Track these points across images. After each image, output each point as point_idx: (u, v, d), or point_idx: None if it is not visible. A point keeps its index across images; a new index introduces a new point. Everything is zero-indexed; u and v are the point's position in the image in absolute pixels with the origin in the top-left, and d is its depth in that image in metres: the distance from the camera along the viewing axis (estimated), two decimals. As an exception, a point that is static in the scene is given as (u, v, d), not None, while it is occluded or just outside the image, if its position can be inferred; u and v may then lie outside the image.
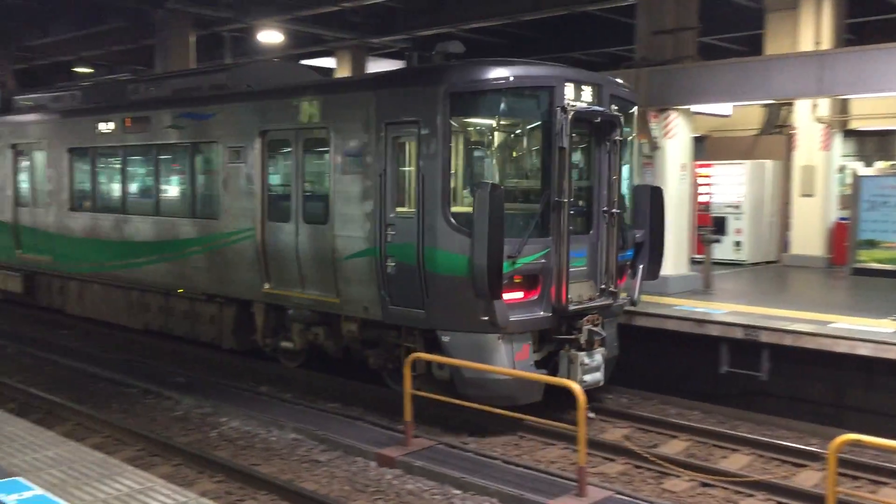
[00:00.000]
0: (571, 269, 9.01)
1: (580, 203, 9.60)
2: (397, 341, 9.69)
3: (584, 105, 9.10)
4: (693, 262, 14.11)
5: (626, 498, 7.31)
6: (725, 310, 11.42)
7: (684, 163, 13.23)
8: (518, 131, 9.60)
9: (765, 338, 10.22)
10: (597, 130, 9.44)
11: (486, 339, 8.71)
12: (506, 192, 8.72)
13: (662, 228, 10.43)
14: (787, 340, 10.03)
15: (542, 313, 8.98)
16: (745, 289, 13.95)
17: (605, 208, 9.44)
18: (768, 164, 17.61)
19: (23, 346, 13.60)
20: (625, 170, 9.95)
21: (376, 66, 27.52)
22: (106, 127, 13.37)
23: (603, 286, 9.51)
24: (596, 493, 7.27)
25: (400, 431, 8.85)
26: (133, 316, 13.57)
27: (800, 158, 16.63)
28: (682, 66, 12.84)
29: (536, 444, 9.13)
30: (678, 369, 11.18)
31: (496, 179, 9.07)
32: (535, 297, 8.93)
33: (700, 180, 17.50)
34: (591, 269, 9.43)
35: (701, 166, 17.55)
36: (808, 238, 16.58)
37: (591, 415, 9.50)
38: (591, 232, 9.49)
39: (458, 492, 7.61)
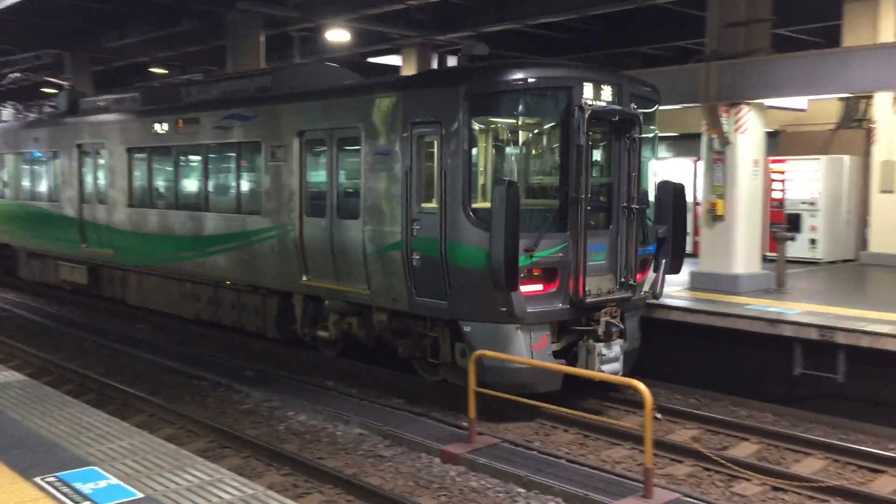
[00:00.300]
0: (590, 263, 9.31)
1: (601, 199, 9.85)
2: (424, 331, 10.06)
3: (603, 104, 9.37)
4: (766, 260, 13.72)
5: (694, 500, 7.17)
6: (799, 310, 11.09)
7: (757, 158, 12.90)
8: (537, 130, 9.91)
9: (841, 339, 9.88)
10: (616, 128, 9.68)
11: (504, 329, 9.07)
12: (525, 188, 9.24)
13: (684, 224, 10.66)
14: (865, 342, 9.67)
15: (560, 305, 9.28)
16: (821, 288, 13.52)
17: (624, 204, 9.68)
18: (846, 159, 17.05)
19: (101, 338, 14.07)
20: (647, 166, 10.29)
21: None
22: (160, 128, 14.10)
23: (622, 280, 9.72)
24: (663, 495, 7.15)
25: (464, 428, 8.86)
26: (185, 306, 14.31)
27: (879, 153, 16.04)
28: (755, 58, 12.49)
29: (602, 443, 9.03)
30: (749, 370, 10.91)
31: (515, 177, 9.39)
32: (554, 290, 9.25)
33: (773, 176, 17.07)
34: (610, 262, 9.69)
35: (774, 162, 17.11)
36: (888, 236, 15.97)
37: (658, 415, 9.35)
38: (610, 227, 9.74)
39: (521, 490, 7.57)
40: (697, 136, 13.76)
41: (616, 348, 9.54)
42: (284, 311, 12.14)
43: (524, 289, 8.92)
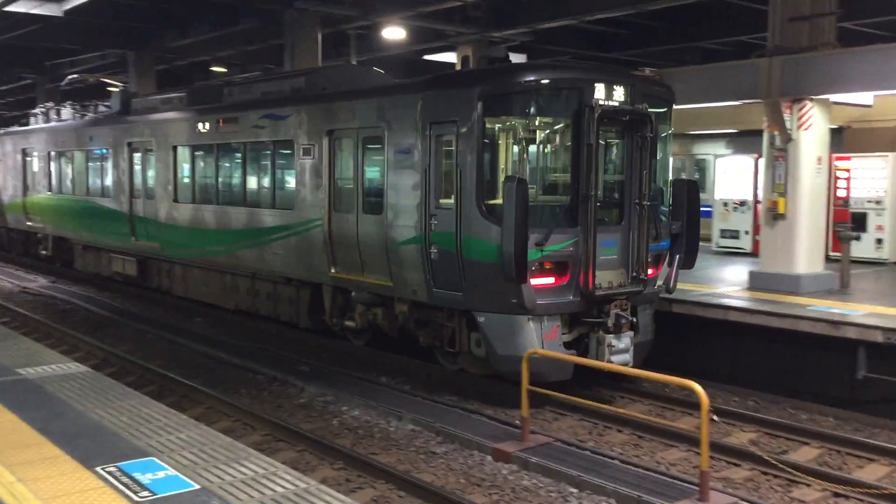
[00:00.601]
0: (602, 258, 9.69)
1: (614, 196, 10.24)
2: (443, 321, 10.54)
3: (615, 104, 9.66)
4: (829, 260, 13.36)
5: (752, 505, 7.03)
6: (864, 311, 10.78)
7: (820, 155, 12.57)
8: (549, 129, 10.27)
9: (908, 342, 9.58)
10: (628, 127, 10.00)
11: (516, 319, 9.49)
12: (537, 185, 9.85)
13: (698, 220, 10.85)
14: (933, 345, 9.37)
15: (570, 298, 9.65)
16: (887, 289, 13.11)
17: (636, 201, 9.95)
18: (914, 156, 16.52)
19: (161, 331, 14.39)
20: (662, 164, 10.62)
21: (498, 59, 27.51)
22: (203, 127, 14.83)
23: (634, 274, 9.98)
24: (719, 499, 7.02)
25: (516, 427, 8.83)
26: (226, 297, 15.01)
27: (950, 150, 15.50)
28: (820, 53, 12.16)
29: (657, 444, 8.91)
30: (811, 373, 10.65)
31: (527, 174, 9.75)
32: (565, 283, 9.63)
33: (838, 174, 16.61)
34: (621, 257, 9.99)
35: (839, 159, 16.65)
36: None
37: (715, 417, 9.15)
38: (622, 223, 10.03)
39: (574, 490, 7.52)
40: (758, 133, 13.47)
41: (626, 340, 9.86)
42: (315, 301, 12.71)
43: (536, 281, 9.35)
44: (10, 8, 21.33)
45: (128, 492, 4.97)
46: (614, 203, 10.17)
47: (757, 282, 12.88)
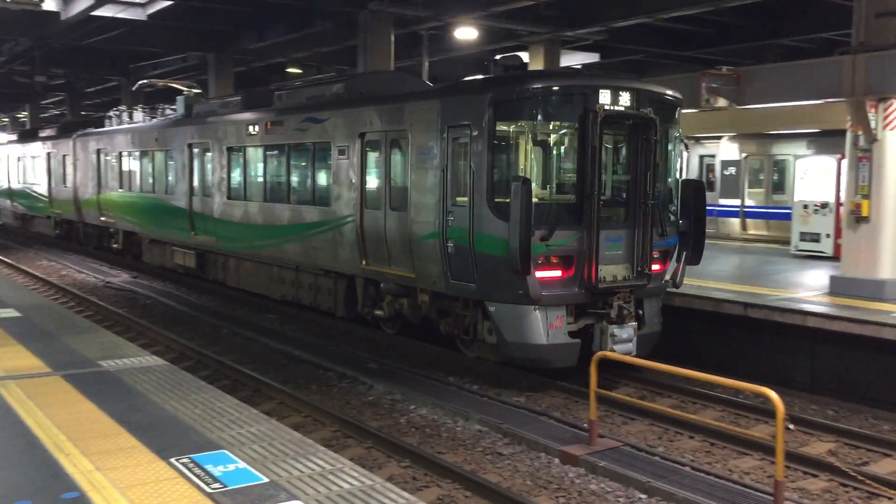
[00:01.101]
0: (607, 253, 10.35)
1: (622, 195, 10.93)
2: (460, 311, 11.32)
3: (621, 108, 10.30)
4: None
5: (829, 518, 6.80)
6: (953, 319, 10.31)
7: (908, 156, 12.07)
8: (555, 133, 10.90)
9: None
10: (632, 131, 10.63)
11: (523, 309, 10.23)
12: (544, 185, 10.70)
13: (704, 219, 11.56)
14: None
15: (575, 290, 10.33)
16: (978, 296, 12.51)
17: (641, 200, 10.55)
18: None
19: (236, 327, 14.74)
20: (669, 165, 11.18)
21: (570, 59, 27.27)
22: (253, 129, 15.86)
23: (638, 269, 10.59)
24: (794, 510, 6.81)
25: (584, 430, 8.74)
26: (273, 288, 16.05)
27: None
28: (907, 49, 11.69)
29: (729, 452, 8.69)
30: (894, 382, 10.23)
31: (535, 175, 10.53)
32: (571, 276, 10.30)
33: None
34: (626, 253, 10.63)
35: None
36: None
37: (790, 425, 8.92)
38: (627, 220, 10.67)
39: (642, 496, 7.40)
40: (841, 133, 13.03)
41: (629, 330, 10.45)
42: (350, 292, 13.69)
43: (542, 274, 10.08)
44: (97, 12, 22.17)
45: (200, 483, 5.10)
46: (621, 202, 10.87)
47: (838, 287, 12.46)
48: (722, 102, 14.32)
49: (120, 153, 22.39)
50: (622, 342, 10.31)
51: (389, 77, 15.03)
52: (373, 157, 12.62)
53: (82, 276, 21.52)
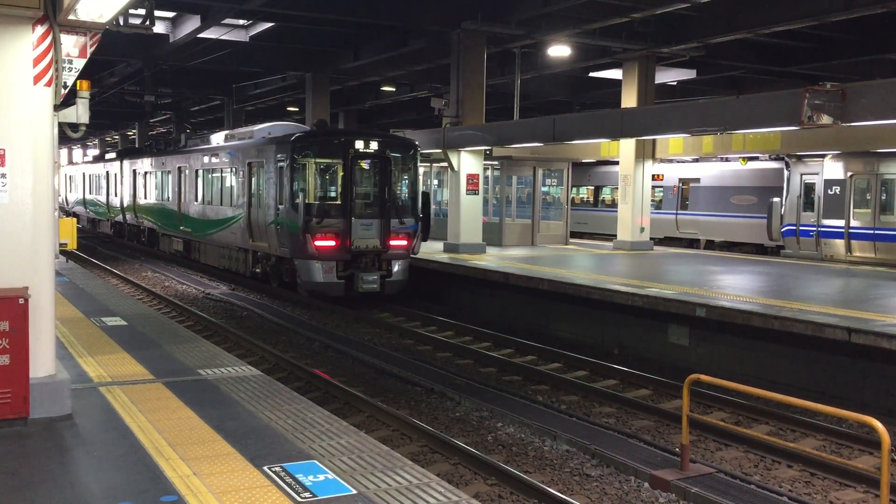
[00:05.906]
0: (363, 231, 17.96)
1: (374, 199, 18.51)
2: (282, 264, 19.47)
3: (370, 150, 18.15)
4: None
5: (939, 558, 6.43)
6: None
7: None
8: (329, 164, 18.70)
9: None
10: (378, 163, 18.42)
11: (309, 262, 17.78)
12: (323, 193, 18.65)
13: (428, 214, 19.29)
14: None
15: (341, 252, 17.82)
16: None
17: (387, 202, 18.30)
18: None
19: (327, 340, 15.02)
20: (407, 184, 19.08)
21: (665, 75, 26.80)
22: (206, 158, 24.22)
23: (380, 241, 18.13)
24: (900, 548, 6.47)
25: (676, 454, 8.53)
26: (220, 261, 23.75)
27: None
28: None
29: (830, 483, 8.32)
30: None
31: (317, 187, 18.49)
32: (338, 244, 17.76)
33: None
34: (375, 231, 18.14)
35: None
36: None
37: (898, 458, 8.60)
38: (375, 213, 18.24)
39: (736, 525, 7.16)
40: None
41: (374, 276, 17.94)
42: (252, 261, 21.36)
43: (319, 243, 17.59)
44: (203, 35, 23.12)
45: (291, 492, 5.22)
46: (373, 203, 18.41)
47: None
48: (826, 120, 13.81)
49: (145, 172, 31.03)
50: (369, 283, 17.81)
51: (277, 128, 21.60)
52: (252, 176, 20.44)
53: (184, 287, 22.36)
